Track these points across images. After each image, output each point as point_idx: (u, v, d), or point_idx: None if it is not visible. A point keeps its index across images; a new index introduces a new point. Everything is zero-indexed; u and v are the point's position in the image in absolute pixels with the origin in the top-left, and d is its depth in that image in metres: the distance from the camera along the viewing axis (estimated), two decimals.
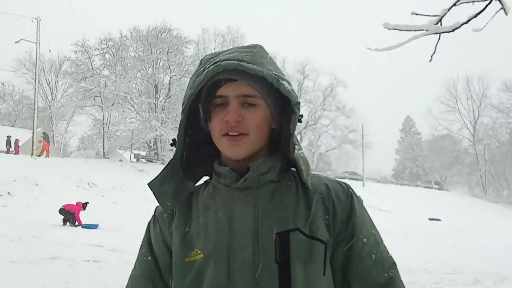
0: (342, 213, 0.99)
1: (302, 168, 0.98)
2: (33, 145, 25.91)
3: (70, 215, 13.01)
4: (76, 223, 12.99)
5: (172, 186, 1.03)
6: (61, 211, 13.06)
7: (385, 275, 0.99)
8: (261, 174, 0.99)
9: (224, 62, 0.93)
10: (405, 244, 12.95)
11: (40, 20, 27.39)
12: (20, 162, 21.29)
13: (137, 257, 1.10)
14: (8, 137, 27.30)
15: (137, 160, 35.07)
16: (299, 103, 0.97)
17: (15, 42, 28.16)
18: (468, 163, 58.45)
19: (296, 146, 0.99)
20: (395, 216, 26.65)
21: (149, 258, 1.06)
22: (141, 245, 1.10)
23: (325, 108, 54.28)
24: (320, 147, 58.42)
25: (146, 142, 35.77)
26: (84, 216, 13.42)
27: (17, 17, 28.07)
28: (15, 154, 25.94)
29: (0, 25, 56.06)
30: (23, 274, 6.29)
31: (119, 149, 37.83)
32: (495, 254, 10.59)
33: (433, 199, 39.79)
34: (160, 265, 1.05)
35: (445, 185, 57.28)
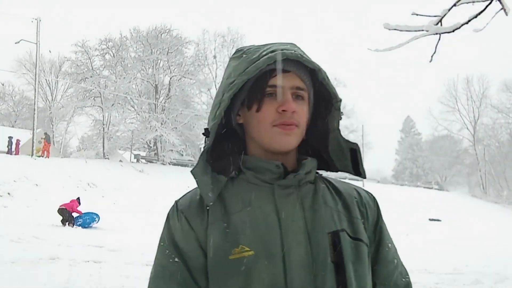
0: (372, 218, 1.03)
1: (360, 159, 1.02)
2: (33, 146, 25.92)
3: (69, 214, 13.02)
4: (77, 223, 12.98)
5: (209, 177, 0.96)
6: (60, 211, 13.04)
7: (403, 280, 1.05)
8: (307, 173, 0.98)
9: (286, 51, 0.92)
10: (405, 244, 12.94)
11: (40, 20, 27.41)
12: (20, 162, 21.30)
13: (159, 260, 0.96)
14: (10, 137, 27.34)
15: (137, 161, 35.06)
16: (341, 100, 0.99)
17: (15, 43, 28.18)
18: (468, 163, 58.42)
19: (349, 140, 1.02)
20: (395, 216, 26.63)
21: (176, 259, 0.93)
22: (162, 245, 0.97)
23: None
24: None
25: (146, 142, 35.77)
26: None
27: (17, 17, 28.12)
28: (15, 154, 25.95)
29: (0, 25, 56.07)
30: (23, 274, 6.29)
31: (119, 149, 37.84)
32: (495, 254, 10.59)
33: (433, 200, 39.77)
34: (191, 266, 0.93)
35: (445, 186, 57.29)
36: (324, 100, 1.03)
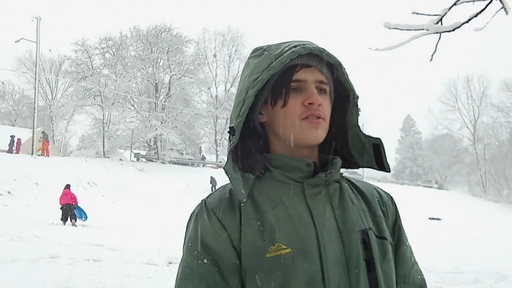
0: (392, 218, 1.05)
1: (384, 154, 1.03)
2: (33, 145, 25.93)
3: (72, 209, 13.05)
4: (81, 219, 13.00)
5: (239, 175, 0.94)
6: (65, 208, 13.02)
7: (419, 277, 1.10)
8: (335, 172, 0.99)
9: (309, 45, 0.93)
10: None
11: (40, 19, 27.40)
12: (20, 161, 21.31)
13: (187, 262, 0.92)
14: (12, 136, 27.37)
15: (137, 160, 35.08)
16: (358, 97, 1.01)
17: (15, 41, 28.17)
18: (468, 162, 58.42)
19: (370, 135, 1.03)
20: None
21: (205, 261, 0.90)
22: (189, 246, 0.93)
23: None
24: None
25: (146, 141, 35.77)
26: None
27: (17, 16, 28.16)
28: (16, 153, 25.97)
29: (0, 25, 56.04)
30: (23, 273, 6.30)
31: (119, 148, 37.82)
32: (495, 253, 10.59)
33: (433, 199, 39.78)
34: (223, 267, 0.90)
35: (445, 185, 57.27)
36: (340, 96, 1.03)
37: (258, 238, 0.89)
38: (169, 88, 34.96)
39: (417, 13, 2.14)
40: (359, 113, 1.02)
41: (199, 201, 1.00)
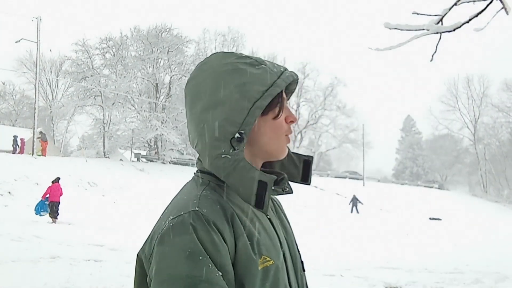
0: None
1: (310, 170, 1.12)
2: (33, 145, 25.95)
3: (54, 205, 13.18)
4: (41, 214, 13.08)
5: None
6: (52, 205, 13.19)
7: None
8: (288, 186, 1.08)
9: (291, 72, 1.02)
10: (405, 244, 12.95)
11: (40, 19, 27.41)
12: (20, 161, 21.32)
13: (198, 274, 0.83)
14: (15, 136, 27.42)
15: (138, 160, 35.10)
16: None
17: (16, 42, 28.18)
18: (469, 162, 58.43)
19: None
20: (395, 216, 26.65)
21: (220, 273, 0.86)
22: (200, 259, 0.84)
23: (325, 107, 54.36)
24: (321, 147, 58.51)
25: (147, 141, 35.80)
26: (85, 215, 13.44)
27: (18, 16, 28.14)
28: (20, 153, 26.04)
29: (1, 25, 56.05)
30: (24, 273, 6.30)
31: (120, 148, 37.85)
32: (495, 254, 10.59)
33: (433, 199, 39.77)
34: (228, 281, 0.87)
35: (445, 185, 57.26)
36: None
37: (250, 251, 0.92)
38: (170, 88, 34.98)
39: (418, 13, 2.14)
40: None
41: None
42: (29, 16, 27.75)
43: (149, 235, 0.93)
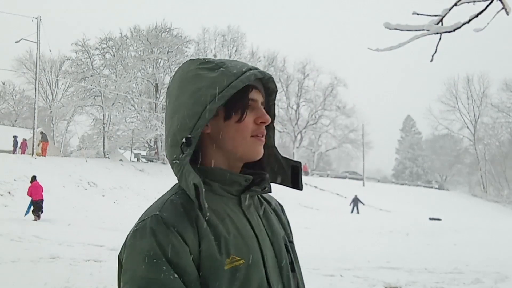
0: (287, 224, 1.19)
1: (301, 175, 1.12)
2: (33, 145, 25.95)
3: (37, 203, 13.29)
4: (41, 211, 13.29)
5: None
6: (37, 203, 13.28)
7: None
8: (268, 186, 1.09)
9: (263, 71, 1.02)
10: (405, 244, 12.95)
11: (40, 19, 27.40)
12: (20, 161, 21.33)
13: (155, 279, 0.87)
14: (15, 137, 27.43)
15: (138, 160, 35.11)
16: (274, 119, 1.12)
17: (16, 42, 28.17)
18: (469, 162, 58.44)
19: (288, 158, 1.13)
20: (395, 216, 26.65)
21: (175, 275, 0.88)
22: (155, 262, 0.88)
23: (325, 107, 54.29)
24: (321, 147, 58.46)
25: (147, 141, 35.80)
26: (85, 215, 13.43)
27: (18, 16, 28.07)
28: (21, 153, 26.06)
29: (0, 25, 56.07)
30: (24, 273, 6.30)
31: (120, 148, 37.88)
32: (495, 254, 10.59)
33: (433, 199, 39.79)
34: (189, 282, 0.89)
35: (445, 185, 57.30)
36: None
37: (216, 252, 0.93)
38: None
39: (418, 14, 2.14)
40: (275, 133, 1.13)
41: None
42: (29, 16, 27.65)
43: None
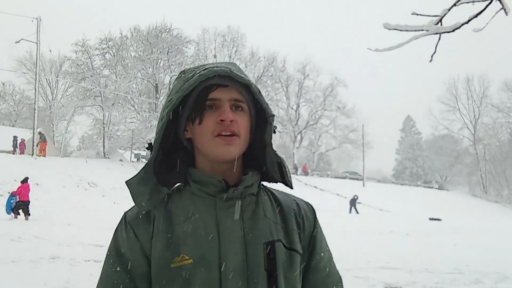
0: (308, 229, 1.11)
1: (287, 170, 1.11)
2: (33, 145, 25.95)
3: (24, 204, 13.46)
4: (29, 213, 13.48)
5: (148, 188, 1.03)
6: (21, 204, 13.49)
7: (334, 287, 1.11)
8: (247, 187, 1.04)
9: (216, 68, 1.00)
10: (405, 244, 12.95)
11: (40, 20, 27.41)
12: (20, 162, 21.32)
13: (103, 269, 1.02)
14: (15, 137, 27.47)
15: (138, 160, 35.12)
16: (273, 115, 1.07)
17: (16, 42, 28.22)
18: (469, 163, 58.41)
19: (277, 153, 1.10)
20: (395, 216, 26.64)
21: (118, 269, 0.99)
22: (108, 255, 1.03)
23: (325, 108, 54.28)
24: (321, 147, 58.43)
25: (147, 142, 35.74)
26: (85, 215, 13.44)
27: (18, 17, 28.08)
28: (20, 153, 26.05)
29: (0, 25, 56.09)
30: (24, 273, 6.30)
31: (120, 149, 37.88)
32: (495, 254, 10.58)
33: (433, 199, 39.77)
34: (135, 275, 0.99)
35: (445, 185, 57.28)
36: (260, 115, 1.09)
37: (166, 249, 0.97)
38: (169, 88, 34.78)
39: (417, 14, 2.14)
40: (275, 130, 1.08)
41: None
42: (29, 16, 27.67)
43: None
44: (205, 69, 1.01)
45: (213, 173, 1.02)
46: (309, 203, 1.17)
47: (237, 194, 1.02)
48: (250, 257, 0.98)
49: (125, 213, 1.06)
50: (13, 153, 26.16)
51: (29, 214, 13.44)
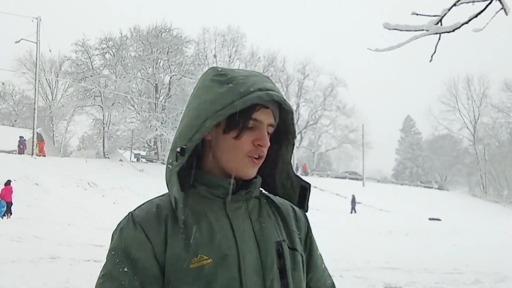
0: (304, 230, 1.16)
1: (309, 195, 1.15)
2: (33, 145, 25.95)
3: (8, 205, 14.00)
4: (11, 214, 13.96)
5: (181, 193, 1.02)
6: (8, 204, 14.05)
7: (329, 281, 1.21)
8: (254, 190, 1.08)
9: (272, 92, 1.00)
10: (405, 244, 12.95)
11: (40, 20, 27.40)
12: (20, 161, 21.32)
13: (108, 269, 0.96)
14: (21, 137, 27.52)
15: (137, 160, 35.09)
16: (296, 137, 1.10)
17: (16, 42, 28.17)
18: (468, 163, 58.42)
19: (301, 177, 1.15)
20: (395, 216, 26.65)
21: (126, 269, 0.95)
22: (113, 254, 0.97)
23: (325, 107, 54.32)
24: (321, 147, 58.49)
25: (146, 142, 35.79)
26: (85, 215, 13.43)
27: (17, 17, 28.07)
28: (19, 153, 26.08)
29: (0, 25, 56.08)
30: (24, 273, 6.30)
31: (119, 149, 37.86)
32: (495, 254, 10.59)
33: (433, 199, 39.78)
34: (145, 276, 0.95)
35: (445, 185, 57.26)
36: (279, 132, 1.11)
37: (183, 250, 0.96)
38: (169, 88, 34.97)
39: (417, 14, 2.14)
40: (293, 151, 1.13)
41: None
42: (29, 16, 27.65)
43: None
44: (260, 89, 0.99)
45: (223, 176, 1.03)
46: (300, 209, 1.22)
47: (247, 196, 1.05)
48: (263, 256, 1.01)
49: (131, 213, 1.02)
50: (20, 153, 26.26)
51: (11, 213, 13.96)
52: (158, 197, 1.06)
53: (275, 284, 1.00)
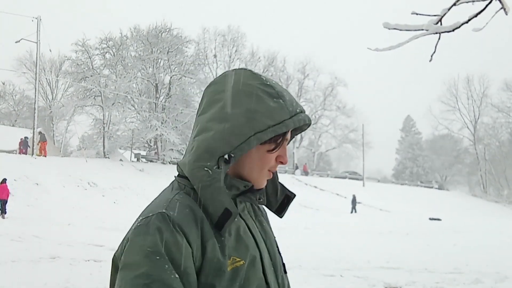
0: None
1: (287, 206, 1.18)
2: (33, 145, 25.96)
3: (3, 203, 14.15)
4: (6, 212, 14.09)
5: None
6: (3, 203, 14.21)
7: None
8: (263, 198, 1.13)
9: (305, 117, 1.07)
10: (405, 244, 12.96)
11: (40, 19, 27.41)
12: (20, 161, 21.33)
13: (156, 276, 0.86)
14: (26, 137, 27.53)
15: (138, 160, 35.09)
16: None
17: (16, 42, 28.19)
18: (469, 162, 58.43)
19: (286, 188, 1.19)
20: (395, 216, 26.66)
21: (176, 276, 0.87)
22: (158, 259, 0.87)
23: (325, 107, 54.34)
24: (321, 147, 58.48)
25: (147, 141, 35.78)
26: (85, 215, 13.42)
27: (18, 16, 28.09)
28: (19, 153, 26.11)
29: (0, 25, 56.08)
30: (24, 273, 6.31)
31: (120, 148, 37.84)
32: (495, 254, 10.60)
33: (433, 199, 39.79)
34: (188, 283, 0.89)
35: (445, 185, 57.26)
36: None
37: (219, 254, 0.95)
38: (170, 88, 34.96)
39: (417, 14, 2.14)
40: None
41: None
42: (29, 16, 27.64)
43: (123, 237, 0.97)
44: (301, 111, 1.06)
45: (235, 177, 1.03)
46: None
47: (259, 202, 1.10)
48: (271, 253, 1.08)
49: (166, 213, 0.92)
50: (25, 153, 26.32)
51: (5, 212, 14.05)
52: (172, 196, 0.98)
53: (284, 278, 1.09)
